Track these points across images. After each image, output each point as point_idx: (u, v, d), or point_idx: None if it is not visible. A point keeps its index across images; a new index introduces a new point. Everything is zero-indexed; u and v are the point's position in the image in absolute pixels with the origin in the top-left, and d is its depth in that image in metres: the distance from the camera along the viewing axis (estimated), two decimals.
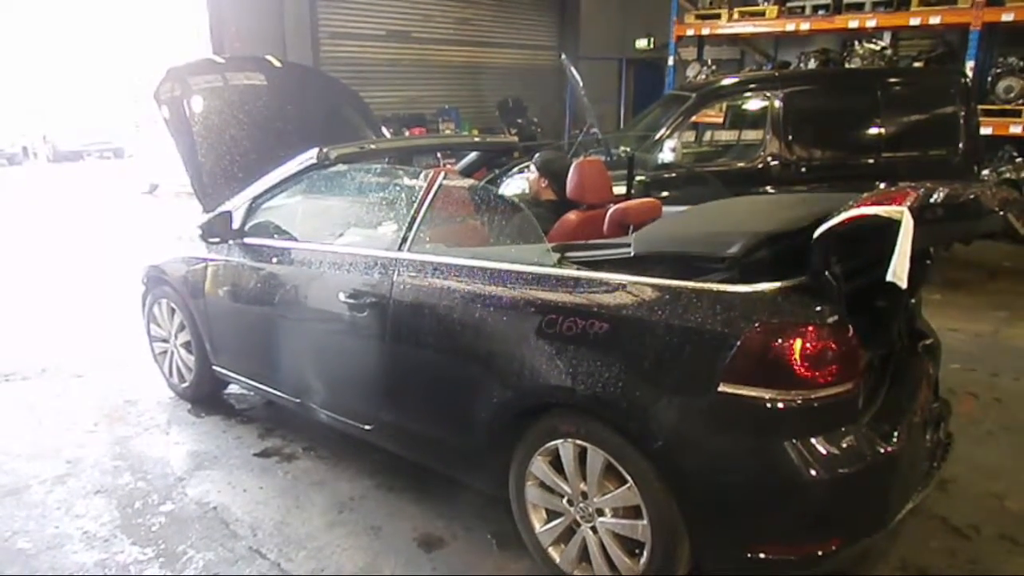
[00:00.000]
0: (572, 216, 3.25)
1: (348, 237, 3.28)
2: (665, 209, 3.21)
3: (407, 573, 2.64)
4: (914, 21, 7.61)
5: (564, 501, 2.45)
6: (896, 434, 2.22)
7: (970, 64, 7.14)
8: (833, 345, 2.02)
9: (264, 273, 3.37)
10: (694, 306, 2.10)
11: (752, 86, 6.46)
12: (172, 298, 3.95)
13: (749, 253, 2.15)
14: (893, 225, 1.87)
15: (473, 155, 4.34)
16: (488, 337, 2.50)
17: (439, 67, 12.52)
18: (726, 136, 7.74)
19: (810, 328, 2.00)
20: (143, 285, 4.18)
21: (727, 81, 6.73)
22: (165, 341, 4.12)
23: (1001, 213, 2.12)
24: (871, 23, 7.99)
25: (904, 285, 1.88)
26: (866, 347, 2.26)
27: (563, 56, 6.96)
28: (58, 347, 4.97)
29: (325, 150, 3.15)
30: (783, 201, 3.28)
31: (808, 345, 1.99)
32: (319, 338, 3.19)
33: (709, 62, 10.15)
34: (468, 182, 3.24)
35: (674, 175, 5.63)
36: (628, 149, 5.54)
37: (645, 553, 2.27)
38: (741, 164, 6.07)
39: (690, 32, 9.58)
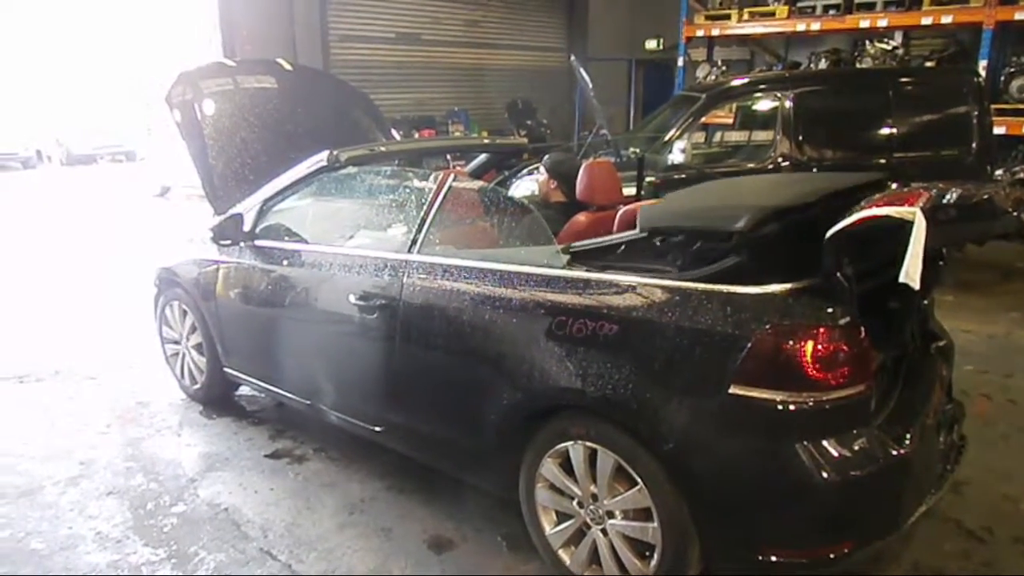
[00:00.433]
0: (582, 218, 3.24)
1: (358, 239, 3.28)
2: None
3: (417, 574, 2.64)
4: (926, 20, 7.55)
5: (574, 503, 2.44)
6: (909, 436, 2.21)
7: (983, 63, 7.07)
8: (845, 347, 2.01)
9: (275, 275, 3.38)
10: (704, 307, 2.09)
11: (762, 87, 6.43)
12: (184, 300, 3.98)
13: (756, 227, 2.12)
14: (906, 226, 1.86)
15: (482, 157, 4.35)
16: (498, 339, 2.50)
17: (448, 69, 12.56)
18: (736, 137, 7.72)
19: (822, 329, 1.99)
20: (155, 287, 4.21)
21: (737, 82, 6.70)
22: (177, 343, 4.14)
23: (1015, 214, 2.11)
24: (882, 23, 7.93)
25: (917, 286, 1.87)
26: (879, 349, 2.24)
27: (572, 57, 6.95)
28: (71, 349, 5.00)
29: (336, 153, 3.16)
30: (789, 178, 3.25)
31: (820, 347, 1.98)
32: (329, 340, 3.20)
33: (719, 63, 10.12)
34: (478, 184, 3.23)
35: (684, 176, 5.61)
36: (638, 150, 5.52)
37: (655, 555, 2.26)
38: (751, 165, 6.05)
39: (700, 33, 9.55)
